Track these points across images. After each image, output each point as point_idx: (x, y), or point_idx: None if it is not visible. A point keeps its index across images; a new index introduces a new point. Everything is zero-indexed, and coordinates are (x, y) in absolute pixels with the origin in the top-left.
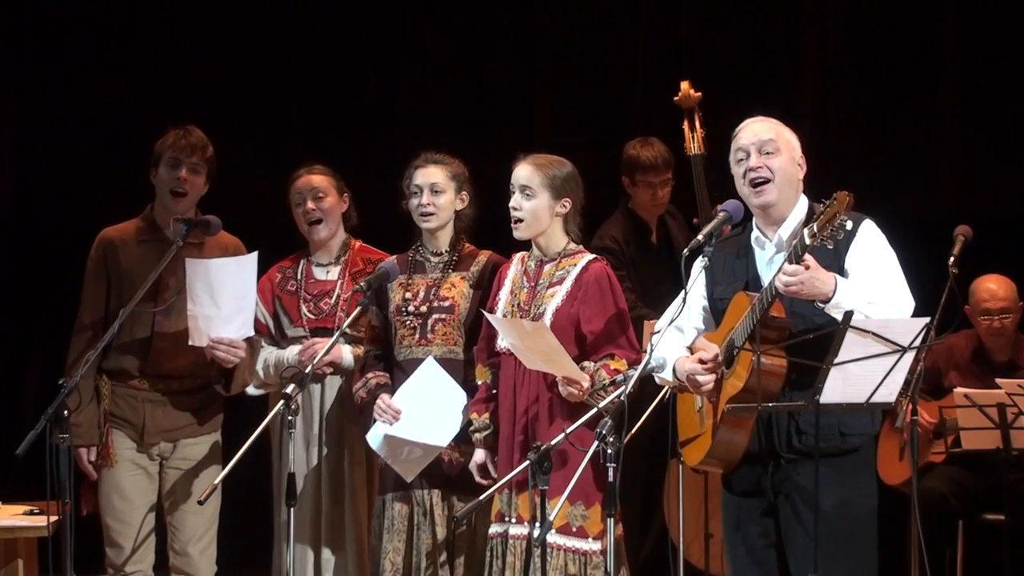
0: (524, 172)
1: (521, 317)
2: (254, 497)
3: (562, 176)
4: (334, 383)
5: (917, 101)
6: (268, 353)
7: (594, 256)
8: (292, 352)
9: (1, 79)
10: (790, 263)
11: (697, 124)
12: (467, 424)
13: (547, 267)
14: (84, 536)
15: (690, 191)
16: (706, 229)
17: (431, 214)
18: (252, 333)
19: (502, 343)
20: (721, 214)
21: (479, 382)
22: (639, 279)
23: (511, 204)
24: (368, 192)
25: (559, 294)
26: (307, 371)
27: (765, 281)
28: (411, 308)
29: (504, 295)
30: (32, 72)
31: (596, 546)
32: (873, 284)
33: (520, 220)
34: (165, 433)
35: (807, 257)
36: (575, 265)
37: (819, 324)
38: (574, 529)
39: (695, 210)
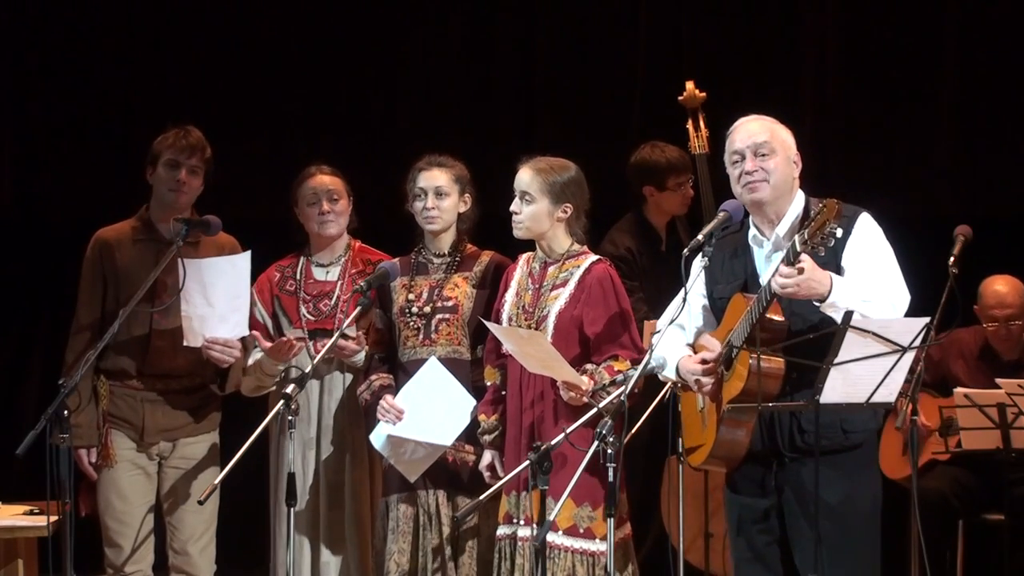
0: (524, 177)
1: (525, 319)
2: (254, 497)
3: (562, 181)
4: (334, 385)
5: (917, 100)
6: (254, 355)
7: (597, 258)
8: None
9: (1, 79)
10: (785, 265)
11: (701, 124)
12: (474, 424)
13: (551, 269)
14: (84, 536)
15: (695, 191)
16: (706, 228)
17: (436, 217)
18: (247, 332)
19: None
20: (721, 214)
21: (488, 383)
22: (650, 291)
23: (511, 208)
24: (369, 193)
25: (562, 296)
26: (307, 371)
27: (763, 279)
28: (415, 309)
29: (510, 297)
30: (32, 72)
31: (603, 547)
32: (868, 280)
33: (519, 223)
34: (164, 432)
35: (804, 258)
36: (579, 267)
37: (817, 322)
38: (581, 530)
39: (699, 210)
